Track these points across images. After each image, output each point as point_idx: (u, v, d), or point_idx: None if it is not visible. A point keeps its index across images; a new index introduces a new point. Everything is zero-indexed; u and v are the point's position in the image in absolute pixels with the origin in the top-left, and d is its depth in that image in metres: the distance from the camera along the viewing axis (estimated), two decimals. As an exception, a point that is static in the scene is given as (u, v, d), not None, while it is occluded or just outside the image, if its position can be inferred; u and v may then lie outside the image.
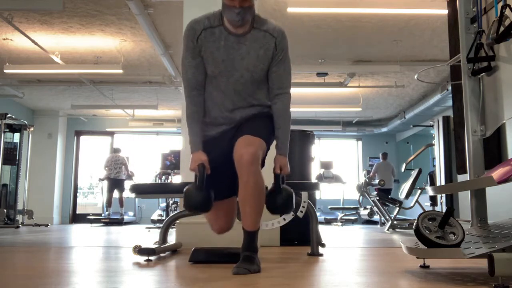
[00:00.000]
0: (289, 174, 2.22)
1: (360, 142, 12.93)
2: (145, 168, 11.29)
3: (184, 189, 2.14)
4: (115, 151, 10.04)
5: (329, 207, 10.66)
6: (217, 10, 2.14)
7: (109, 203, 9.66)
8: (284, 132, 2.21)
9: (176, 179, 8.77)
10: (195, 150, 2.18)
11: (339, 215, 10.05)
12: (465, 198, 5.38)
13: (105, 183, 9.85)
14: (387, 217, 7.39)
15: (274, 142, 2.23)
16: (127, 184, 9.75)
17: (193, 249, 2.50)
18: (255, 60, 2.13)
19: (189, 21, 2.16)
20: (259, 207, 2.08)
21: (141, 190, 3.01)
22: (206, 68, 2.18)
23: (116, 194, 9.76)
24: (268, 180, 2.12)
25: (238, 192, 2.06)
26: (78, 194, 11.87)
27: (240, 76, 2.15)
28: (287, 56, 2.20)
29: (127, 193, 9.58)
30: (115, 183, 9.68)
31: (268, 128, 2.20)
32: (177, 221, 3.31)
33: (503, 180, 1.77)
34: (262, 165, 2.14)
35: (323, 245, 2.97)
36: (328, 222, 10.21)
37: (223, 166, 2.17)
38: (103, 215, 9.71)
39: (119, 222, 9.48)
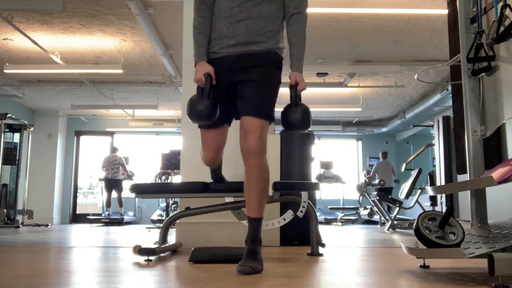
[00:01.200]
0: (304, 90, 2.15)
1: (360, 142, 12.93)
2: (145, 168, 11.29)
3: (189, 99, 2.11)
4: (113, 150, 10.04)
5: (329, 207, 10.65)
6: None
7: (108, 203, 9.66)
8: (299, 50, 2.17)
9: (176, 179, 8.77)
10: (200, 60, 2.14)
11: (339, 215, 10.05)
12: (465, 198, 5.38)
13: (103, 184, 9.85)
14: (387, 217, 7.39)
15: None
16: (127, 184, 9.75)
17: (193, 248, 2.50)
18: None
19: None
20: (264, 193, 2.09)
21: (141, 190, 3.01)
22: None
23: (114, 194, 9.76)
24: (271, 179, 2.12)
25: (245, 179, 2.07)
26: (78, 194, 11.87)
27: None
28: None
29: (127, 193, 9.59)
30: (112, 184, 9.67)
31: (273, 92, 2.15)
32: (177, 221, 3.31)
33: (503, 180, 1.77)
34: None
35: (323, 245, 2.97)
36: (328, 222, 10.21)
37: (220, 91, 2.15)
38: (103, 215, 9.71)
39: (119, 222, 9.48)
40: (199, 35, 2.16)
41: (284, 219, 2.93)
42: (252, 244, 2.06)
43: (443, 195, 6.66)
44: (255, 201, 2.07)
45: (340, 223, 9.55)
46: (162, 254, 2.81)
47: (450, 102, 7.39)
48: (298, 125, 2.16)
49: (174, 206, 8.26)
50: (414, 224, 1.84)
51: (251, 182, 2.06)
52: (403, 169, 7.89)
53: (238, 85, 2.15)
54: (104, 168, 9.73)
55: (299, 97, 2.15)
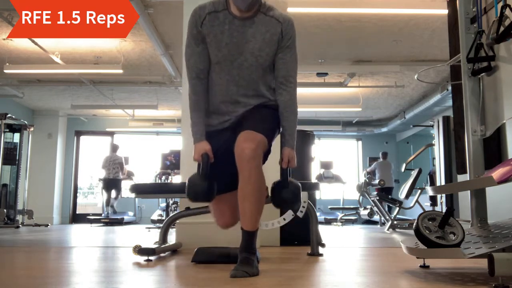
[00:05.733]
0: (296, 168, 2.16)
1: (360, 142, 12.93)
2: (145, 168, 11.28)
3: (187, 179, 2.10)
4: (113, 149, 10.02)
5: (329, 207, 10.65)
6: None
7: (107, 202, 9.66)
8: (291, 123, 2.15)
9: (176, 179, 8.77)
10: (198, 140, 2.13)
11: (339, 215, 10.04)
12: (465, 198, 5.37)
13: (103, 184, 9.83)
14: (387, 217, 7.38)
15: (279, 137, 2.18)
16: (127, 184, 9.75)
17: (196, 249, 2.50)
18: (261, 43, 2.08)
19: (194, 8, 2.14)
20: (259, 205, 2.03)
21: (141, 190, 3.01)
22: (210, 54, 2.12)
23: (113, 194, 9.75)
24: (269, 180, 2.11)
25: (238, 188, 2.01)
26: (78, 194, 11.87)
27: (244, 60, 2.08)
28: (294, 45, 2.15)
29: (127, 193, 9.59)
30: (112, 183, 9.67)
31: (272, 122, 2.14)
32: (177, 221, 3.31)
33: (503, 180, 1.77)
34: (264, 160, 2.09)
35: (323, 245, 2.97)
36: (328, 222, 10.21)
37: (226, 158, 2.09)
38: (103, 215, 9.71)
39: (119, 222, 9.48)
40: (194, 113, 2.15)
41: (284, 219, 2.92)
42: (246, 253, 1.99)
43: (443, 195, 6.66)
44: (249, 215, 2.00)
45: (340, 223, 9.55)
46: (162, 254, 2.81)
47: (450, 102, 7.38)
48: (288, 204, 2.21)
49: (174, 206, 8.26)
50: (414, 224, 1.84)
51: (246, 193, 1.98)
52: (403, 169, 7.89)
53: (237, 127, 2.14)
54: (104, 168, 9.72)
55: (290, 174, 2.14)
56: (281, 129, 2.18)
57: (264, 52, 2.09)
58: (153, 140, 12.16)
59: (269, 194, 2.20)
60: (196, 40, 2.12)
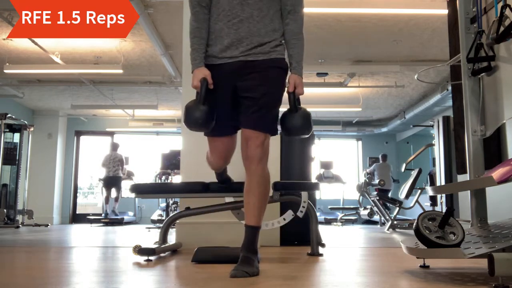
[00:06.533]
0: (303, 94, 2.10)
1: (360, 142, 12.93)
2: (145, 168, 11.28)
3: (185, 105, 2.06)
4: (113, 147, 10.01)
5: (329, 207, 10.65)
6: None
7: (107, 200, 9.65)
8: (298, 51, 2.13)
9: (176, 179, 8.77)
10: (197, 66, 2.08)
11: (339, 215, 10.04)
12: (465, 198, 5.37)
13: (103, 183, 9.82)
14: (387, 217, 7.38)
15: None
16: (127, 184, 9.74)
17: (196, 249, 2.50)
18: None
19: None
20: (263, 200, 2.05)
21: (141, 190, 3.01)
22: None
23: (113, 193, 9.74)
24: (271, 179, 2.11)
25: (245, 183, 2.04)
26: (78, 194, 11.86)
27: None
28: None
29: (127, 193, 9.58)
30: (112, 181, 9.65)
31: (275, 104, 2.08)
32: (177, 221, 3.31)
33: (503, 180, 1.77)
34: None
35: (323, 245, 2.97)
36: (328, 222, 10.21)
37: (223, 95, 2.09)
38: (103, 215, 9.71)
39: (119, 222, 9.48)
40: (194, 39, 2.10)
41: (284, 219, 2.93)
42: (246, 252, 1.99)
43: (443, 195, 6.66)
44: (253, 209, 2.02)
45: (340, 223, 9.55)
46: (162, 254, 2.81)
47: (450, 102, 7.38)
48: (298, 131, 2.13)
49: (174, 206, 8.25)
50: (414, 224, 1.84)
51: (251, 189, 2.02)
52: (403, 169, 7.88)
53: (240, 92, 2.08)
54: (104, 166, 9.71)
55: (298, 101, 2.10)
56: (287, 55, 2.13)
57: None
58: (153, 140, 12.16)
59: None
60: None
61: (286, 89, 2.11)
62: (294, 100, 2.08)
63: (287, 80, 2.13)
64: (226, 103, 2.10)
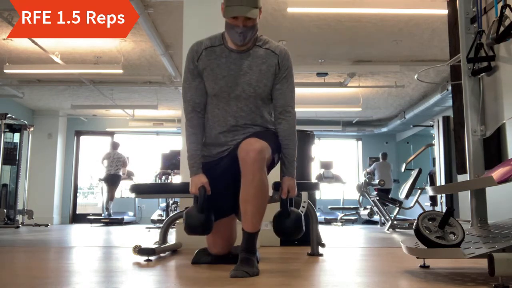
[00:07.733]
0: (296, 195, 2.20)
1: (360, 142, 12.93)
2: (145, 168, 11.28)
3: (185, 212, 2.13)
4: (114, 146, 10.00)
5: (329, 207, 10.65)
6: (220, 32, 2.18)
7: (111, 197, 9.64)
8: (290, 151, 2.18)
9: (176, 179, 8.77)
10: (195, 173, 2.15)
11: (339, 215, 10.04)
12: (465, 198, 5.38)
13: (103, 182, 9.81)
14: (387, 217, 7.38)
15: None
16: (127, 184, 9.73)
17: (196, 251, 2.49)
18: (258, 74, 2.13)
19: (192, 44, 2.20)
20: (261, 207, 2.05)
21: (141, 190, 3.00)
22: (207, 87, 2.17)
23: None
24: (270, 179, 2.11)
25: (241, 191, 2.03)
26: (78, 194, 11.86)
27: (241, 91, 2.13)
28: (291, 75, 2.20)
29: (127, 193, 9.57)
30: (113, 179, 9.64)
31: (274, 142, 2.14)
32: (177, 221, 3.31)
33: (503, 180, 1.77)
34: (267, 172, 2.10)
35: (323, 245, 2.97)
36: (328, 222, 10.21)
37: (223, 183, 2.16)
38: (103, 215, 9.71)
39: (119, 222, 9.48)
40: (191, 145, 2.18)
41: (284, 219, 2.91)
42: (246, 253, 2.00)
43: (443, 195, 6.66)
44: (251, 217, 2.02)
45: (340, 223, 9.55)
46: (162, 254, 2.81)
47: (450, 102, 7.38)
48: (291, 235, 2.19)
49: (174, 206, 8.26)
50: (414, 224, 1.84)
51: (249, 195, 2.00)
52: (403, 169, 7.88)
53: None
54: (105, 162, 9.68)
55: (291, 202, 2.16)
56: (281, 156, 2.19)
57: (261, 83, 2.13)
58: (153, 140, 12.16)
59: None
60: (192, 75, 2.17)
61: (278, 193, 2.18)
62: (287, 205, 2.14)
63: (280, 183, 2.18)
64: (228, 184, 2.15)
